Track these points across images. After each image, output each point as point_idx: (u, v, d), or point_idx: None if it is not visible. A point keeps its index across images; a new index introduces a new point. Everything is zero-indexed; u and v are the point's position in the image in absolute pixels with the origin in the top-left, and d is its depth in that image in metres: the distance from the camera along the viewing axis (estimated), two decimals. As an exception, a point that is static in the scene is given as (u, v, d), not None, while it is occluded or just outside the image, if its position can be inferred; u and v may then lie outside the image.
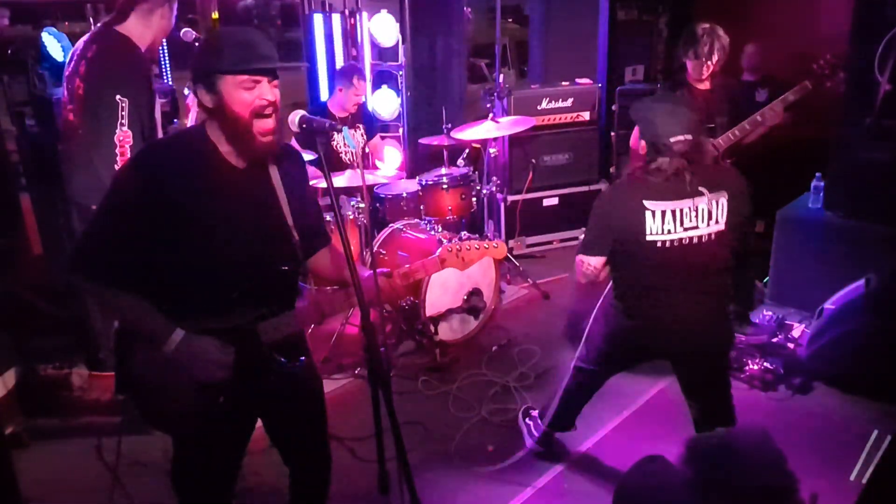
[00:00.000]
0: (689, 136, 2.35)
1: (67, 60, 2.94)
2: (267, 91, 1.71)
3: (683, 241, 2.39)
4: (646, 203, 2.37)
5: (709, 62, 3.45)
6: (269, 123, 1.73)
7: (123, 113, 2.70)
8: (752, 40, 4.11)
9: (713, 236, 2.39)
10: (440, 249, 2.04)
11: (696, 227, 2.39)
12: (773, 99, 4.41)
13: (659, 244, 2.39)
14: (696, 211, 2.37)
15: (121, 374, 1.90)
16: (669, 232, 2.38)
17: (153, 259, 1.73)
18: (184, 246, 1.73)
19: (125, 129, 2.71)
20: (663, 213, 2.37)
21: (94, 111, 2.76)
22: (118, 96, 2.70)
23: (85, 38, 2.91)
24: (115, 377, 1.89)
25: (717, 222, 2.39)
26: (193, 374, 1.79)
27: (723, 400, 2.63)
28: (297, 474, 2.20)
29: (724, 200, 2.39)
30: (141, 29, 2.82)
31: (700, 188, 2.37)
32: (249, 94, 1.68)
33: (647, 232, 2.38)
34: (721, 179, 2.43)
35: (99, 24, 2.87)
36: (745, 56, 4.78)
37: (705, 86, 3.59)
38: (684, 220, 2.38)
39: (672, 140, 2.34)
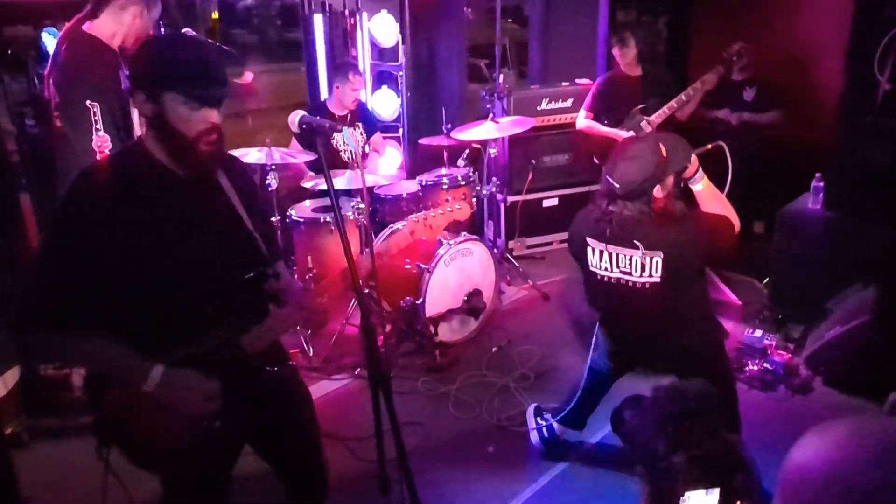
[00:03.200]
0: (615, 185, 2.33)
1: (48, 66, 2.90)
2: (214, 116, 1.62)
3: (619, 280, 2.43)
4: (587, 238, 2.47)
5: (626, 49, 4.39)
6: (213, 138, 1.64)
7: (97, 118, 2.67)
8: (740, 40, 4.14)
9: (648, 286, 2.38)
10: (407, 222, 2.06)
11: (630, 274, 2.40)
12: (761, 98, 4.51)
13: (599, 276, 2.47)
14: (630, 260, 2.38)
15: (100, 423, 1.68)
16: (606, 269, 2.44)
17: (115, 292, 1.59)
18: (144, 271, 1.60)
19: (101, 133, 2.68)
20: (600, 252, 2.44)
21: (69, 118, 2.73)
22: (88, 101, 2.66)
23: (57, 37, 2.86)
24: (94, 427, 1.68)
25: (650, 276, 2.37)
26: (180, 412, 1.65)
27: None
28: (295, 487, 2.13)
29: (658, 259, 2.33)
30: (113, 27, 2.77)
31: (635, 241, 2.35)
32: (195, 114, 1.59)
33: (590, 263, 2.48)
34: (659, 238, 2.33)
35: (70, 22, 2.80)
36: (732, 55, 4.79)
37: (636, 72, 4.48)
38: (619, 262, 2.41)
39: (606, 179, 2.38)
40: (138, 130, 2.94)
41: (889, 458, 0.97)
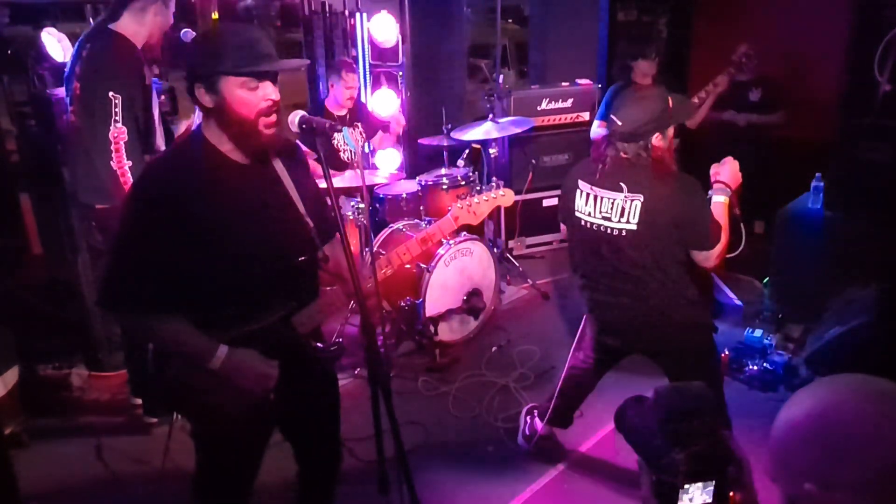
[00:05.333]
0: (618, 123, 2.36)
1: (69, 63, 2.94)
2: (271, 91, 1.68)
3: (600, 227, 2.44)
4: (578, 182, 2.51)
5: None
6: (272, 119, 1.71)
7: (117, 109, 2.69)
8: (744, 41, 4.15)
9: (623, 233, 2.39)
10: (452, 208, 2.08)
11: (609, 219, 2.41)
12: (767, 99, 4.51)
13: (582, 222, 2.50)
14: (612, 204, 2.40)
15: (161, 388, 1.84)
16: (590, 214, 2.47)
17: (181, 276, 1.69)
18: (208, 255, 1.70)
19: (119, 125, 2.70)
20: (587, 194, 2.46)
21: (89, 108, 2.75)
22: (111, 93, 2.68)
23: (80, 38, 2.90)
24: (150, 392, 1.88)
25: (628, 221, 2.38)
26: (241, 388, 1.78)
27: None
28: (310, 468, 2.19)
29: (638, 203, 2.35)
30: (135, 27, 2.81)
31: (621, 183, 2.38)
32: (253, 94, 1.66)
33: (576, 207, 2.51)
34: (644, 184, 2.35)
35: (93, 24, 2.86)
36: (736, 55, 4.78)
37: (647, 81, 4.41)
38: (602, 207, 2.43)
39: (611, 118, 2.40)
40: (157, 128, 2.97)
41: (875, 403, 1.02)
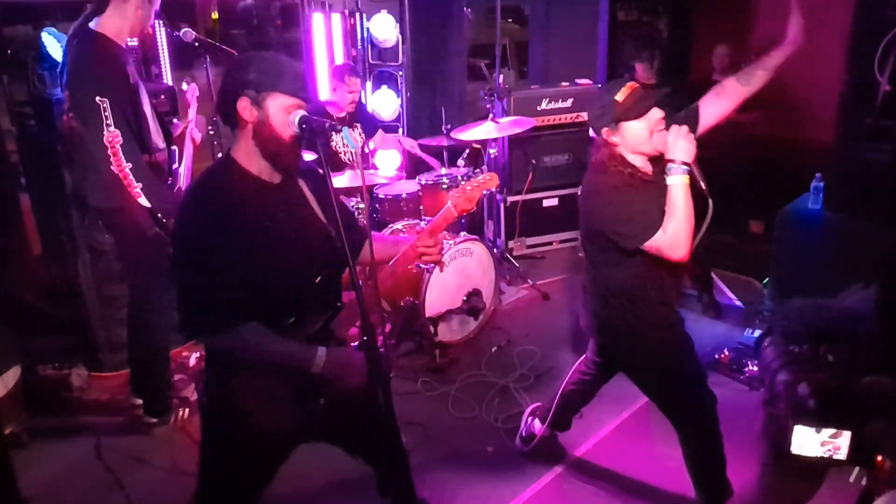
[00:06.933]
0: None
1: (60, 66, 2.93)
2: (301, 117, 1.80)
3: None
4: None
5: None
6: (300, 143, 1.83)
7: (107, 113, 2.68)
8: (740, 40, 4.16)
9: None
10: (449, 200, 2.21)
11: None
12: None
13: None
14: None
15: (219, 408, 1.90)
16: None
17: (240, 292, 1.75)
18: (256, 273, 1.76)
19: (112, 129, 2.69)
20: None
21: (81, 115, 2.75)
22: (98, 97, 2.67)
23: (67, 37, 2.87)
24: (209, 412, 1.93)
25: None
26: (346, 384, 1.84)
27: (665, 411, 2.48)
28: (381, 463, 2.18)
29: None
30: (118, 22, 2.79)
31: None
32: (290, 118, 1.76)
33: None
34: (587, 175, 2.35)
35: (77, 21, 2.82)
36: (715, 57, 4.77)
37: (651, 82, 4.41)
38: None
39: None
40: (151, 126, 2.96)
41: None
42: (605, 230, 2.23)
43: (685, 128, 2.20)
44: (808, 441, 0.92)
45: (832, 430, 0.93)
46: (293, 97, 1.76)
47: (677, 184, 2.15)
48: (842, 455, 0.93)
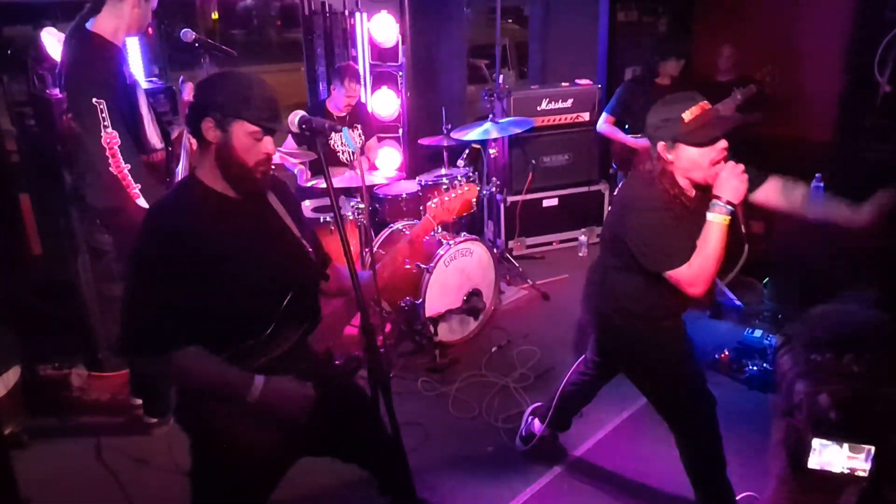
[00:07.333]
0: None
1: (58, 67, 2.92)
2: (270, 144, 1.76)
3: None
4: None
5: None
6: (266, 168, 1.79)
7: (104, 115, 2.67)
8: (740, 41, 4.15)
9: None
10: (427, 211, 2.24)
11: None
12: (749, 100, 4.49)
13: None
14: None
15: (201, 435, 1.83)
16: None
17: (196, 312, 1.71)
18: (219, 289, 1.72)
19: (109, 130, 2.68)
20: None
21: (79, 116, 2.74)
22: (94, 99, 2.66)
23: (65, 37, 2.86)
24: (194, 440, 1.83)
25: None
26: (283, 415, 1.77)
27: (663, 413, 2.47)
28: (380, 466, 2.17)
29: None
30: (114, 21, 2.77)
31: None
32: (257, 145, 1.73)
33: None
34: (627, 181, 2.35)
35: (74, 21, 2.81)
36: (720, 57, 4.77)
37: (666, 82, 4.49)
38: None
39: None
40: (149, 127, 2.95)
41: None
42: (631, 244, 2.18)
43: (741, 167, 2.10)
44: (828, 455, 0.83)
45: (854, 445, 0.83)
46: (263, 126, 1.72)
47: (717, 222, 2.08)
48: (864, 471, 0.83)
